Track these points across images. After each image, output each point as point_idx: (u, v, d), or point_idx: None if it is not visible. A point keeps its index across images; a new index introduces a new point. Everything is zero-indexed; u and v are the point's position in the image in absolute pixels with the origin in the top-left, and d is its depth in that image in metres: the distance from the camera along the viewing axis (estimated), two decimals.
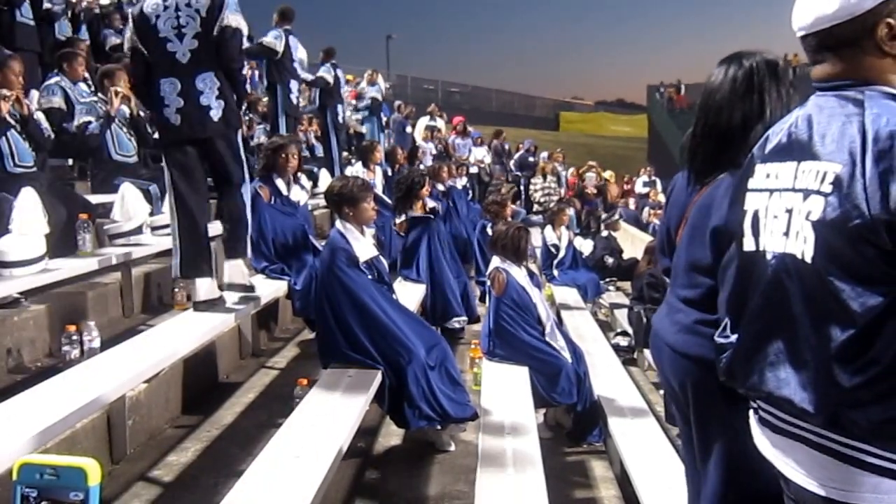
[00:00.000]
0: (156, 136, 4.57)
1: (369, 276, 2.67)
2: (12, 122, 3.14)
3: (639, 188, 12.08)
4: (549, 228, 5.88)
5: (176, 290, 3.51)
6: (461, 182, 7.65)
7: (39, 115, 3.49)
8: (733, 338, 1.13)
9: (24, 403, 1.83)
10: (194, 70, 2.65)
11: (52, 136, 3.50)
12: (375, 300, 2.60)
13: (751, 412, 1.13)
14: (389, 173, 6.34)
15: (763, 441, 1.10)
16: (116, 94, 3.82)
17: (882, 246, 0.88)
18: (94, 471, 0.62)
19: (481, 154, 10.32)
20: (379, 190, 5.33)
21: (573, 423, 3.19)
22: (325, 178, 5.78)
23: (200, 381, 2.99)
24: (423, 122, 10.37)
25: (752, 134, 1.36)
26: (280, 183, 3.63)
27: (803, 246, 0.96)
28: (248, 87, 7.90)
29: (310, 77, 6.81)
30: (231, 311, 2.96)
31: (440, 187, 6.06)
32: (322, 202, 3.90)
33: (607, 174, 10.83)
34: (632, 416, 2.92)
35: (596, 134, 29.28)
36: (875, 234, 0.88)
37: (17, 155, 3.14)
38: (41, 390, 1.93)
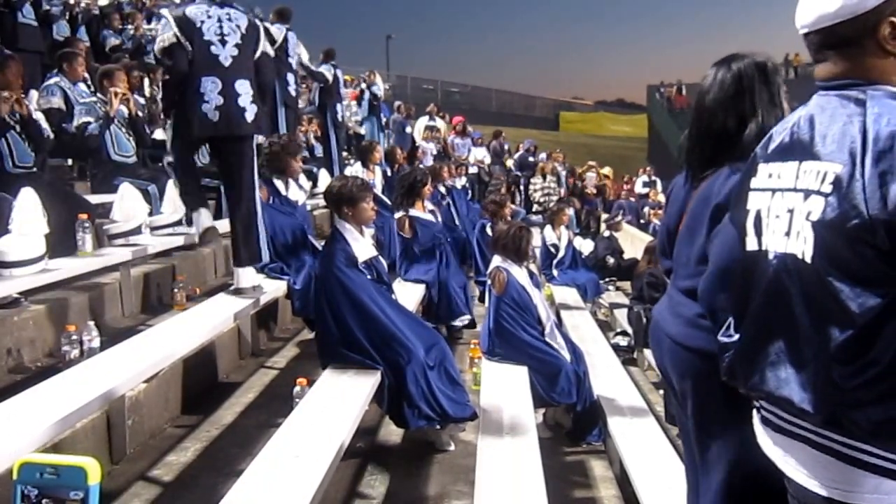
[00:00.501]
0: (155, 135, 4.59)
1: (368, 277, 2.67)
2: (12, 122, 3.14)
3: (639, 188, 12.09)
4: (548, 228, 5.88)
5: (175, 290, 3.51)
6: (460, 182, 7.65)
7: (39, 116, 3.49)
8: (737, 336, 1.13)
9: (24, 403, 1.83)
10: (235, 74, 2.83)
11: (52, 136, 3.50)
12: (374, 300, 2.60)
13: (753, 411, 1.13)
14: (389, 173, 6.34)
15: (765, 440, 1.10)
16: (116, 94, 3.82)
17: (880, 246, 0.88)
18: (93, 470, 0.62)
19: (481, 154, 10.33)
20: (378, 190, 5.33)
21: (573, 423, 3.19)
22: (324, 178, 5.78)
23: (200, 380, 2.99)
24: (423, 122, 10.38)
25: (745, 133, 1.38)
26: (279, 183, 3.63)
27: (803, 246, 0.96)
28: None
29: (311, 67, 6.83)
30: (231, 311, 2.97)
31: (441, 187, 6.06)
32: (322, 202, 3.90)
33: (605, 170, 10.87)
34: (631, 416, 2.93)
35: (596, 134, 29.27)
36: (873, 235, 0.88)
37: (16, 155, 3.14)
38: (41, 390, 1.92)
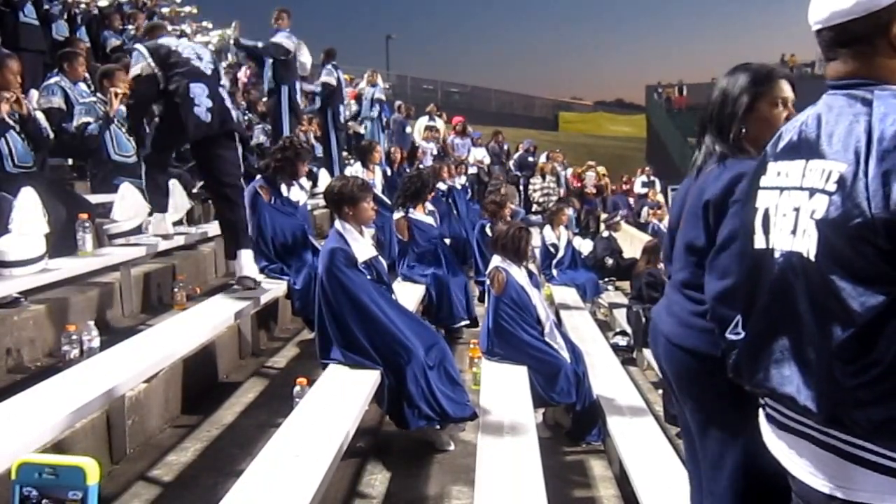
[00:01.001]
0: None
1: (368, 277, 2.67)
2: (11, 122, 3.14)
3: (637, 188, 12.10)
4: (547, 228, 5.89)
5: (176, 289, 3.51)
6: (460, 182, 7.65)
7: (39, 115, 3.48)
8: (744, 334, 1.13)
9: (24, 403, 1.83)
10: (216, 80, 3.19)
11: (52, 136, 3.50)
12: (374, 300, 2.60)
13: (760, 410, 1.13)
14: (389, 173, 6.34)
15: (770, 437, 1.10)
16: (116, 94, 3.82)
17: (881, 246, 0.88)
18: (92, 470, 0.62)
19: (480, 154, 10.33)
20: (378, 190, 5.34)
21: (572, 423, 3.20)
22: (324, 178, 5.79)
23: (200, 381, 2.99)
24: (423, 122, 10.38)
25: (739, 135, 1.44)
26: (281, 184, 3.63)
27: (808, 244, 0.96)
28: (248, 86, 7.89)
29: (317, 89, 6.86)
30: (231, 311, 2.97)
31: (441, 186, 6.06)
32: (322, 202, 3.91)
33: (600, 169, 10.91)
34: (630, 416, 2.93)
35: (595, 134, 29.26)
36: (875, 234, 0.88)
37: (16, 155, 3.14)
38: (41, 390, 1.92)
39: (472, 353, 3.29)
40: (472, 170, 9.68)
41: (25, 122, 3.21)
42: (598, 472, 2.91)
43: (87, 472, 0.62)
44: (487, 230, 4.89)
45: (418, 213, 4.46)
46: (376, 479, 2.49)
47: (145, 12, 7.67)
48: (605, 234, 7.70)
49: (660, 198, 11.31)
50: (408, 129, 10.09)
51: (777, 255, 1.03)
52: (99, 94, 4.24)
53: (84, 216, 3.11)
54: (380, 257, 2.88)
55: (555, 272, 5.67)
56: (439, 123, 10.16)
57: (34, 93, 4.19)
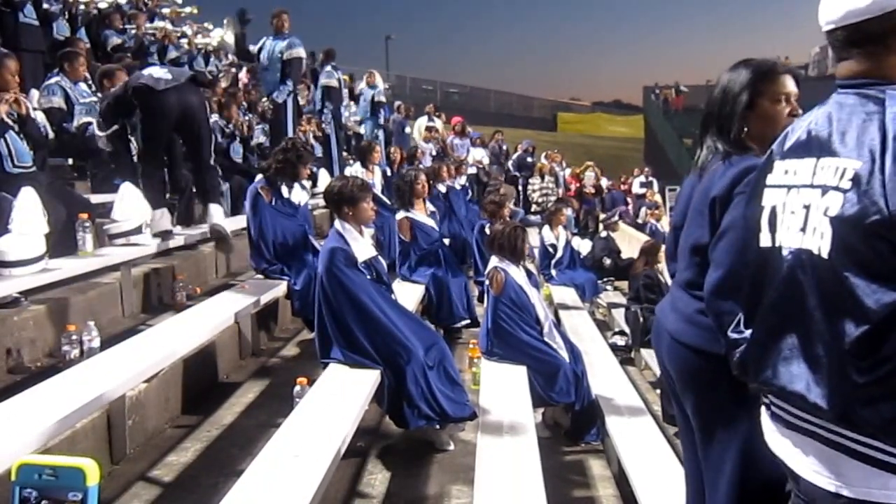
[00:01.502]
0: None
1: (368, 276, 2.67)
2: (10, 122, 3.14)
3: (636, 188, 12.13)
4: (546, 228, 5.89)
5: (176, 289, 3.51)
6: (459, 182, 7.65)
7: (39, 115, 3.48)
8: (747, 333, 1.13)
9: (24, 403, 1.83)
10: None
11: (52, 135, 3.50)
12: (374, 300, 2.61)
13: (763, 407, 1.13)
14: (388, 173, 6.34)
15: (774, 436, 1.10)
16: None
17: None
18: (92, 471, 0.62)
19: (480, 154, 10.33)
20: (378, 190, 5.34)
21: (571, 423, 3.21)
22: (324, 178, 5.79)
23: (200, 381, 3.00)
24: (421, 122, 10.39)
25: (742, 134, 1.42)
26: (282, 185, 3.63)
27: (820, 241, 0.96)
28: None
29: (327, 108, 6.92)
30: (231, 311, 2.97)
31: (440, 188, 6.07)
32: (321, 202, 3.91)
33: (568, 171, 10.98)
34: (629, 416, 2.94)
35: (593, 134, 29.28)
36: (891, 231, 0.88)
37: (15, 155, 3.14)
38: (41, 390, 1.93)
39: (472, 353, 3.30)
40: (472, 170, 9.69)
41: (25, 123, 3.21)
42: (596, 471, 2.92)
43: (87, 472, 0.62)
44: (487, 230, 4.89)
45: (420, 215, 4.47)
46: (376, 479, 2.50)
47: (146, 13, 7.67)
48: (604, 234, 7.71)
49: (657, 198, 11.34)
50: (407, 130, 10.10)
51: (785, 252, 1.02)
52: (99, 94, 4.25)
53: (84, 216, 3.12)
54: (379, 257, 2.88)
55: (554, 272, 5.68)
56: (437, 124, 10.17)
57: (35, 93, 4.20)
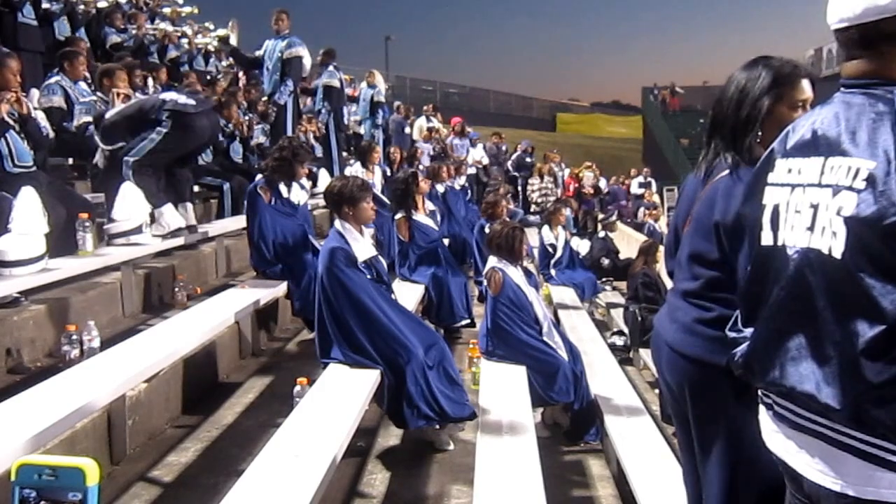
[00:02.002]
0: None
1: (368, 276, 2.68)
2: (11, 122, 3.14)
3: (634, 189, 12.15)
4: (546, 228, 5.90)
5: (176, 289, 3.51)
6: (459, 182, 7.66)
7: (40, 115, 3.48)
8: (746, 332, 1.12)
9: (24, 403, 1.83)
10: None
11: (53, 135, 3.50)
12: (374, 300, 2.61)
13: (763, 408, 1.12)
14: (388, 173, 6.34)
15: (776, 437, 1.09)
16: (118, 95, 3.83)
17: None
18: (92, 471, 0.62)
19: (479, 154, 10.34)
20: (378, 190, 5.34)
21: (570, 422, 3.21)
22: (324, 178, 5.79)
23: (200, 381, 3.00)
24: (421, 122, 10.39)
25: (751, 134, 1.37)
26: (281, 185, 3.63)
27: (831, 241, 0.95)
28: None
29: (325, 108, 6.91)
30: (231, 311, 2.98)
31: (439, 188, 6.07)
32: (322, 202, 3.92)
33: (568, 171, 11.00)
34: (628, 415, 2.94)
35: (592, 135, 29.28)
36: None
37: (15, 155, 3.14)
38: (41, 390, 1.93)
39: (472, 353, 3.30)
40: (472, 170, 9.69)
41: (26, 122, 3.21)
42: (596, 471, 2.92)
43: (87, 473, 0.62)
44: (487, 230, 4.90)
45: (419, 215, 4.47)
46: (376, 479, 2.50)
47: (146, 13, 7.67)
48: (602, 234, 7.72)
49: (656, 198, 11.37)
50: (406, 130, 10.10)
51: (791, 251, 1.01)
52: (99, 94, 4.25)
53: (84, 216, 3.12)
54: (379, 257, 2.89)
55: (553, 272, 5.69)
56: (434, 123, 10.18)
57: (35, 92, 4.19)
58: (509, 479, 2.08)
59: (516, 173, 10.38)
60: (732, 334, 1.16)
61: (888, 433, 0.91)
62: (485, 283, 3.42)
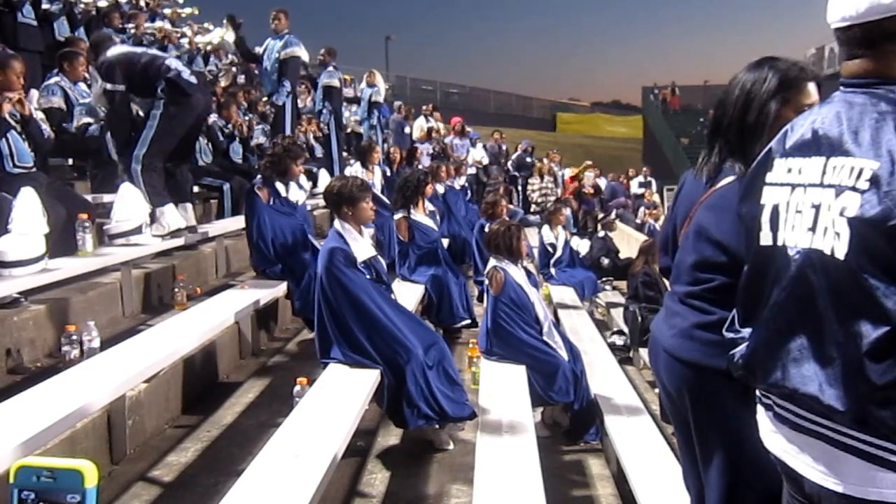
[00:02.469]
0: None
1: (367, 276, 2.68)
2: (12, 122, 3.15)
3: (634, 189, 12.14)
4: (546, 228, 5.90)
5: (176, 289, 3.51)
6: (459, 182, 7.66)
7: (39, 116, 3.49)
8: (744, 332, 1.12)
9: (24, 403, 1.83)
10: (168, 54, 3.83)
11: (52, 136, 3.51)
12: (374, 300, 2.61)
13: (762, 409, 1.11)
14: (388, 173, 6.34)
15: (776, 438, 1.08)
16: None
17: None
18: (90, 473, 0.62)
19: (479, 154, 10.34)
20: (378, 190, 5.35)
21: (570, 422, 3.21)
22: (324, 178, 5.80)
23: (200, 380, 3.00)
24: (420, 122, 10.39)
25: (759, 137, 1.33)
26: (279, 184, 3.64)
27: (833, 242, 0.94)
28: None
29: (326, 109, 6.90)
30: (231, 311, 2.98)
31: (439, 188, 6.07)
32: (322, 202, 3.92)
33: (569, 171, 11.00)
34: (628, 415, 2.94)
35: (592, 135, 29.28)
36: None
37: (16, 155, 3.14)
38: (41, 390, 1.93)
39: (471, 353, 3.30)
40: (472, 170, 9.70)
41: (27, 123, 3.22)
42: (595, 470, 2.92)
43: (86, 474, 0.62)
44: (487, 230, 4.90)
45: (419, 215, 4.47)
46: (376, 479, 2.50)
47: (146, 13, 7.67)
48: (601, 233, 7.72)
49: (656, 198, 11.36)
50: (406, 130, 10.11)
51: (792, 252, 1.00)
52: None
53: (84, 216, 3.12)
54: (379, 257, 2.89)
55: (553, 271, 5.70)
56: (433, 123, 10.18)
57: (34, 93, 4.20)
58: (509, 478, 2.08)
59: (516, 173, 10.39)
60: (730, 335, 1.16)
61: (891, 434, 0.90)
62: (485, 282, 3.42)
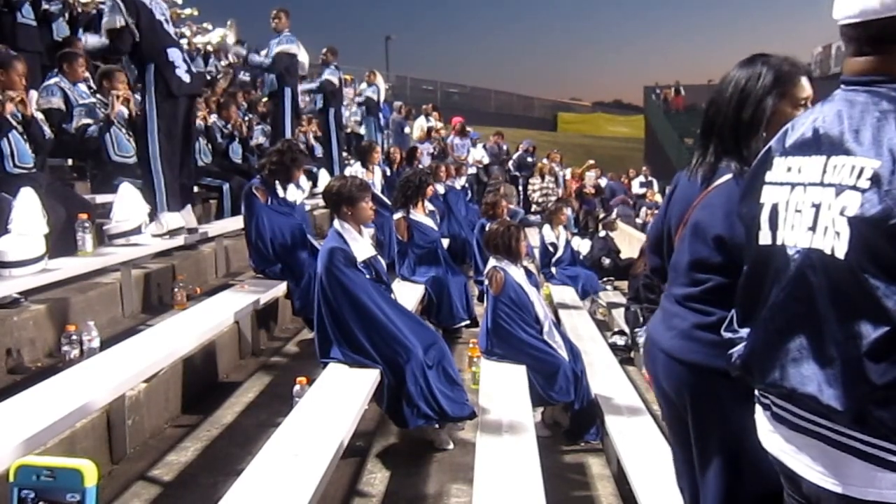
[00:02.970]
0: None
1: (367, 276, 2.68)
2: (14, 122, 3.15)
3: (636, 188, 12.14)
4: (546, 227, 5.90)
5: (176, 289, 3.52)
6: (460, 182, 7.67)
7: (39, 116, 3.49)
8: (742, 332, 1.11)
9: (24, 403, 1.84)
10: (180, 45, 3.60)
11: (52, 136, 3.51)
12: (373, 300, 2.61)
13: (760, 408, 1.11)
14: (388, 173, 6.34)
15: (774, 438, 1.08)
16: (117, 97, 3.84)
17: None
18: (90, 472, 0.62)
19: (480, 154, 10.35)
20: (378, 190, 5.35)
21: (570, 422, 3.21)
22: (324, 178, 5.80)
23: (200, 380, 3.00)
24: (420, 122, 10.40)
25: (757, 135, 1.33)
26: (277, 185, 3.64)
27: (834, 241, 0.93)
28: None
29: (314, 86, 6.87)
30: (231, 311, 2.98)
31: (439, 188, 6.07)
32: (321, 202, 3.92)
33: (568, 171, 10.99)
34: (628, 415, 2.94)
35: (593, 134, 29.27)
36: None
37: (17, 156, 3.15)
38: (41, 390, 1.93)
39: (472, 353, 3.30)
40: (472, 170, 9.70)
41: (29, 124, 3.22)
42: (596, 470, 2.92)
43: (85, 474, 0.62)
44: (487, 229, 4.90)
45: (419, 215, 4.47)
46: (376, 478, 2.50)
47: None
48: (602, 233, 7.71)
49: (657, 198, 11.34)
50: (406, 130, 10.12)
51: (792, 252, 1.00)
52: (99, 96, 4.25)
53: (84, 216, 3.12)
54: (379, 257, 2.89)
55: (554, 271, 5.69)
56: (433, 123, 10.19)
57: (34, 93, 4.20)
58: (509, 478, 2.08)
59: (517, 173, 10.39)
60: (728, 334, 1.15)
61: (891, 434, 0.90)
62: (485, 282, 3.42)
